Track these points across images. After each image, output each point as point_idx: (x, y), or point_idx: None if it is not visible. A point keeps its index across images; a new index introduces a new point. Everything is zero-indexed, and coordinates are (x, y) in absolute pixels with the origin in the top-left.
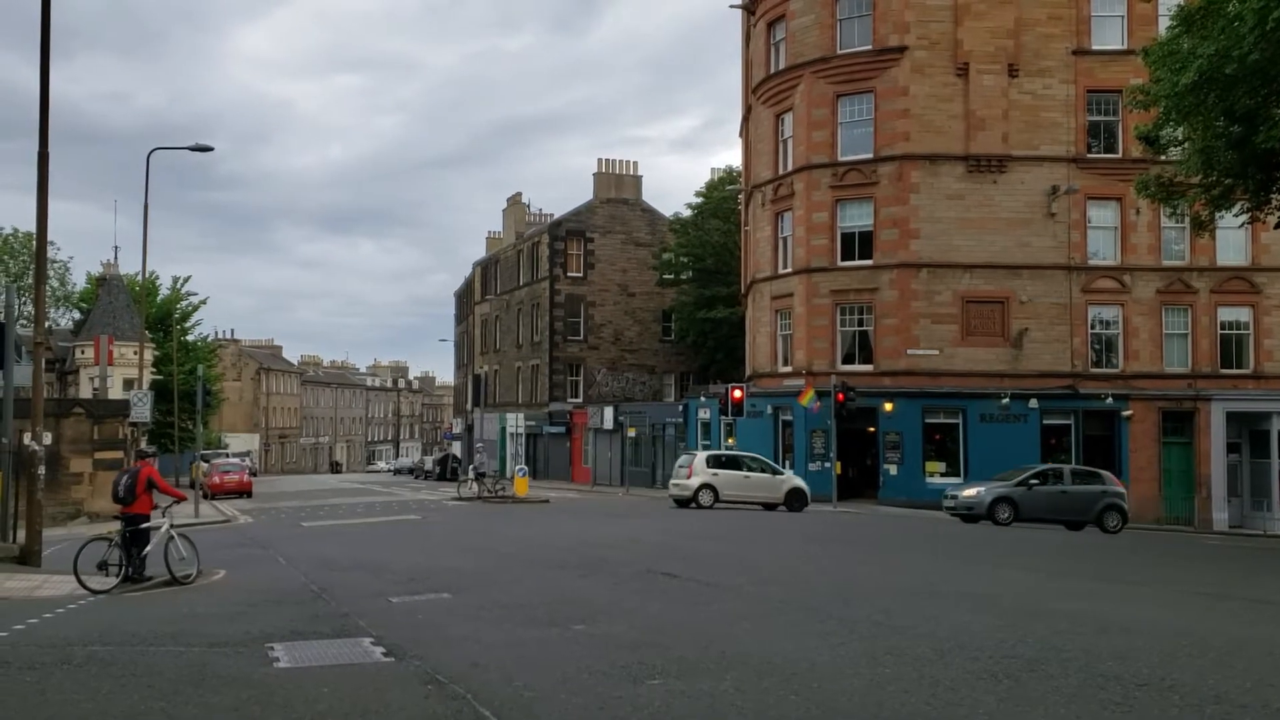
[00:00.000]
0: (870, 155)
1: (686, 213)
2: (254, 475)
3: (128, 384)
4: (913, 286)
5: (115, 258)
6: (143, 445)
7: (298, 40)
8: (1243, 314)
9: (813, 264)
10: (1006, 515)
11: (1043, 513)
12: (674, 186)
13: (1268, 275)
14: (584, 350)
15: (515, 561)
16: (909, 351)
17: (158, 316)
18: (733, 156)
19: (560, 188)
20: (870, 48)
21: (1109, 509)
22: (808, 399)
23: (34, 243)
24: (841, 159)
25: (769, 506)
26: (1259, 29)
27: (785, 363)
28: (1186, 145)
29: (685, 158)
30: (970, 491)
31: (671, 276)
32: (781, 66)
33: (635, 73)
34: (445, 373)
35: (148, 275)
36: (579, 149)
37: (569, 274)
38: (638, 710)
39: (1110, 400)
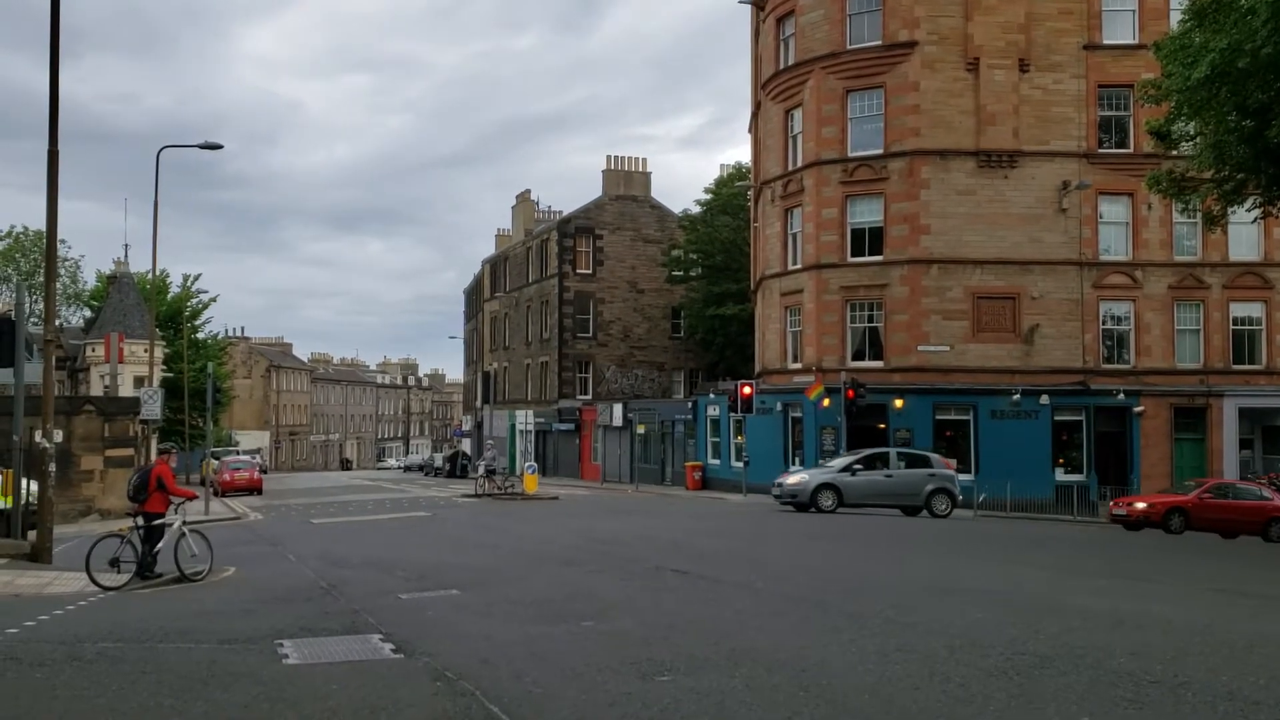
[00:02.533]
0: (880, 151)
1: (695, 209)
2: (264, 472)
3: (138, 381)
4: (923, 283)
5: (126, 256)
6: (161, 444)
7: (305, 41)
8: (1255, 309)
9: (822, 260)
10: (830, 502)
11: (868, 498)
12: (680, 184)
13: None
14: (593, 347)
15: (524, 558)
16: (919, 348)
17: (168, 314)
18: (738, 154)
19: (567, 186)
20: (880, 43)
21: (937, 493)
22: (816, 394)
23: (44, 241)
24: (851, 155)
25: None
26: (1272, 22)
27: (795, 359)
28: (1198, 140)
29: (691, 156)
30: (795, 479)
31: (681, 273)
32: (791, 62)
33: (640, 71)
34: (455, 370)
35: (158, 273)
36: (585, 147)
37: (578, 271)
38: (647, 707)
39: (1122, 396)
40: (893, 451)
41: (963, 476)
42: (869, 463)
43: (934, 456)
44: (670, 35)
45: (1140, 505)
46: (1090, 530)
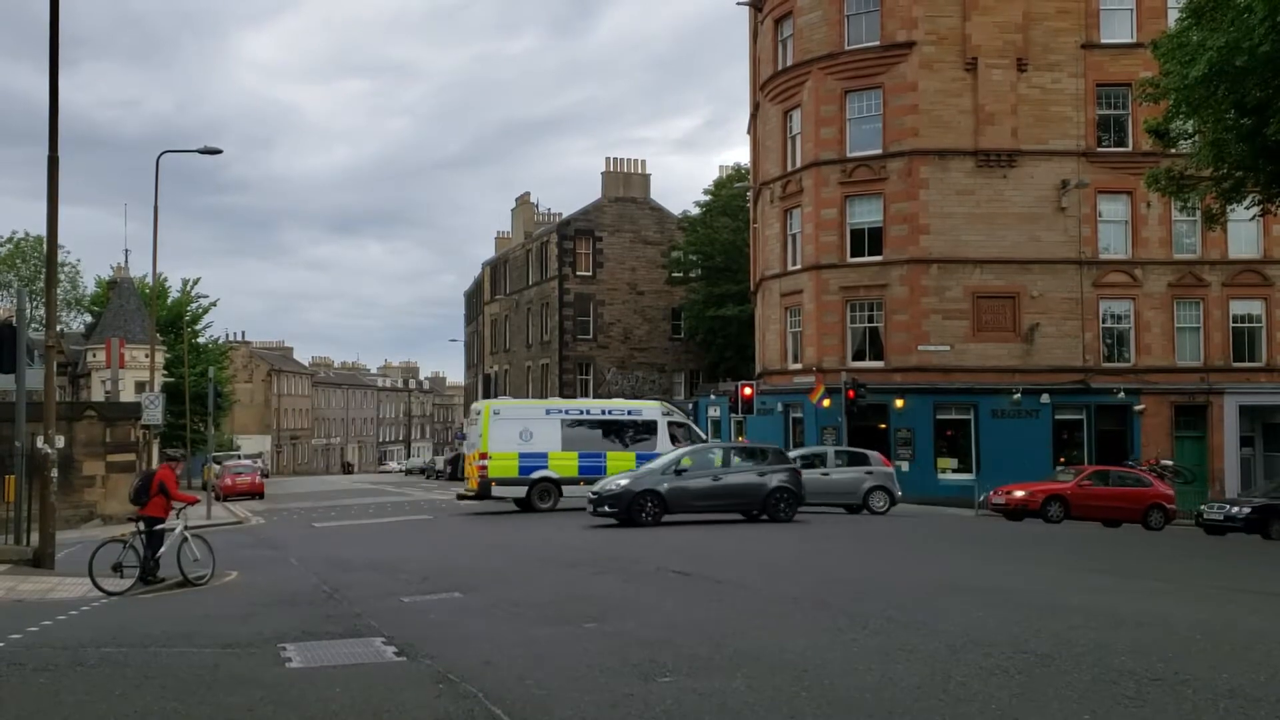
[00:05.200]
0: (879, 151)
1: (694, 211)
2: (266, 477)
3: (139, 386)
4: (923, 282)
5: (126, 261)
6: (167, 449)
7: (304, 46)
8: (1255, 307)
9: (822, 261)
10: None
11: (809, 496)
12: (677, 186)
13: (1279, 268)
14: (594, 349)
15: (527, 560)
16: (920, 348)
17: (168, 319)
18: (736, 156)
19: (566, 188)
20: (878, 43)
21: (875, 490)
22: (818, 396)
23: (45, 246)
24: (850, 155)
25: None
26: (1269, 20)
27: (795, 360)
28: (1197, 138)
29: (688, 157)
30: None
31: (681, 275)
32: (789, 63)
33: (637, 73)
34: (455, 373)
35: (158, 278)
36: (584, 149)
37: (578, 273)
38: (649, 708)
39: (1122, 395)
40: (830, 450)
41: (964, 476)
42: (809, 462)
43: (872, 454)
44: (667, 37)
45: (1019, 494)
46: (964, 521)
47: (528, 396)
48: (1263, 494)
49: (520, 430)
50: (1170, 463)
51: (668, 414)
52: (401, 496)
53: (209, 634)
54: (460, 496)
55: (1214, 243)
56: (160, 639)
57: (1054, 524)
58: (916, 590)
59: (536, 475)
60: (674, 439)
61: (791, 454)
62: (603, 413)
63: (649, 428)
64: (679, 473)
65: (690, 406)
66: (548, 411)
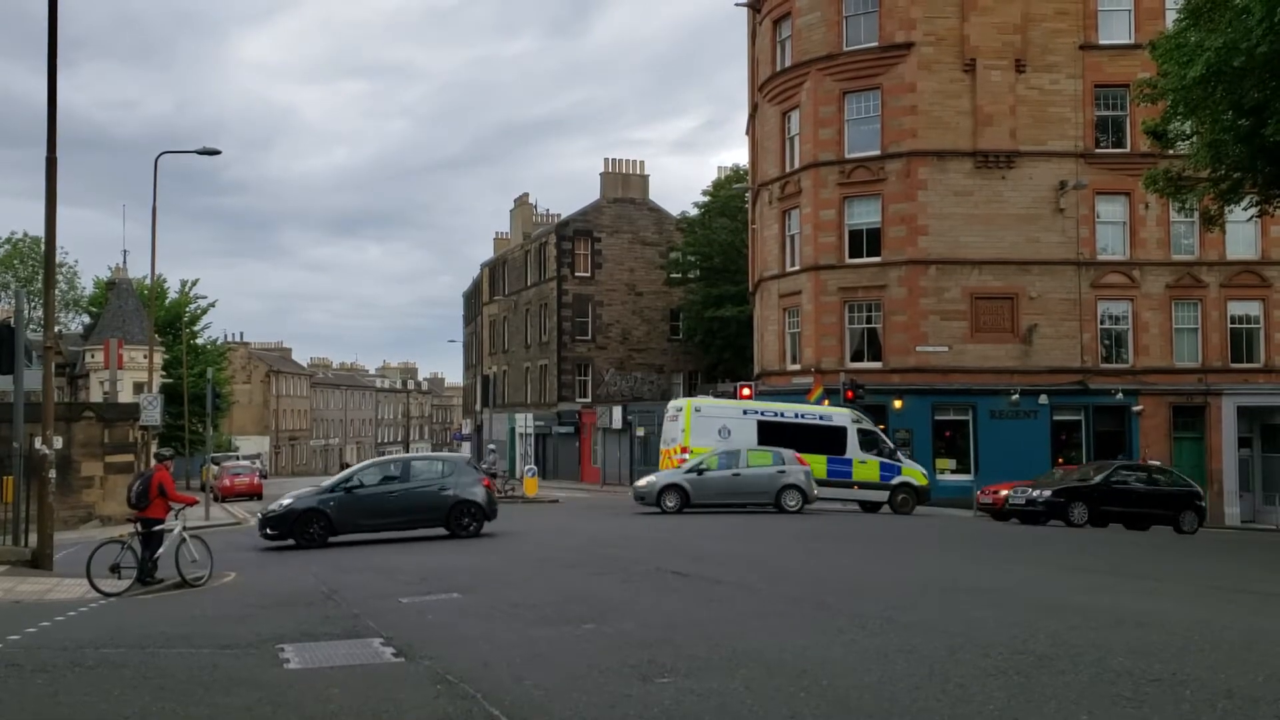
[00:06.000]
0: (877, 152)
1: (692, 212)
2: (264, 478)
3: (138, 387)
4: (921, 283)
5: (124, 262)
6: (159, 450)
7: (302, 47)
8: (1253, 308)
9: (821, 262)
10: (674, 503)
11: (717, 497)
12: (675, 187)
13: (1277, 269)
14: (592, 350)
15: (525, 561)
16: (918, 348)
17: (167, 320)
18: (733, 157)
19: (565, 189)
20: (876, 44)
21: (788, 488)
22: (816, 396)
23: (43, 247)
24: (849, 156)
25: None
26: (1267, 21)
27: (794, 361)
28: (1195, 139)
29: (686, 159)
30: (644, 481)
31: (679, 275)
32: (788, 64)
33: (634, 75)
34: (454, 374)
35: (156, 279)
36: (581, 151)
37: (577, 274)
38: (648, 709)
39: (1121, 396)
40: (744, 451)
41: (963, 477)
42: (723, 462)
43: (786, 454)
44: (665, 38)
45: (1004, 493)
46: (960, 522)
47: (525, 398)
48: (1060, 481)
49: (719, 428)
50: (1157, 463)
51: (856, 421)
52: None
53: (207, 635)
54: None
55: (1212, 244)
56: (158, 640)
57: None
58: (914, 590)
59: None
60: (862, 445)
61: (707, 457)
62: (796, 416)
63: (839, 434)
64: (700, 472)
65: None
66: (744, 412)
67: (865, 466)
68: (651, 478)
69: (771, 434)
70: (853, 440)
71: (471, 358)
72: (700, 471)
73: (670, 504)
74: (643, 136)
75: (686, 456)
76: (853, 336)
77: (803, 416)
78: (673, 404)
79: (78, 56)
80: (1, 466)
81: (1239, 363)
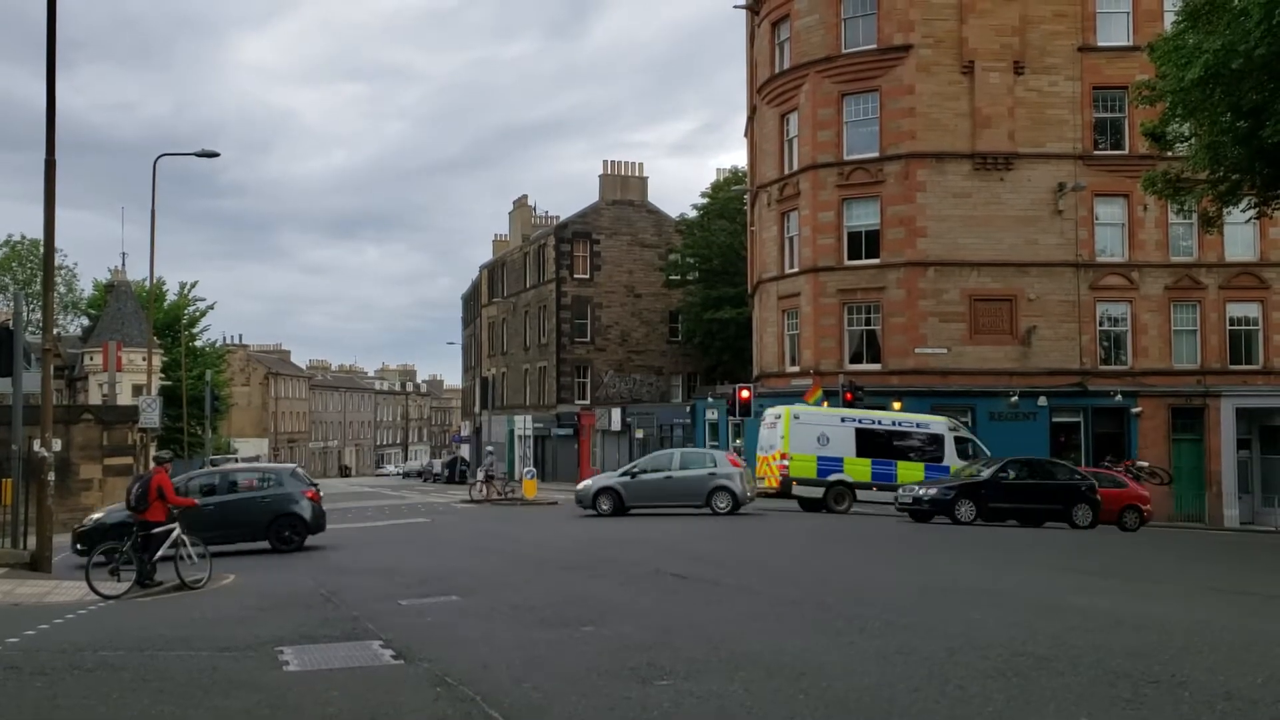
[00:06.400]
0: (876, 154)
1: (691, 214)
2: None
3: (136, 390)
4: (920, 285)
5: (123, 264)
6: (158, 452)
7: (300, 50)
8: (1252, 309)
9: (819, 263)
10: (608, 505)
11: (650, 500)
12: (673, 190)
13: (1276, 270)
14: (591, 352)
15: (524, 563)
16: (917, 350)
17: (165, 322)
18: (731, 159)
19: (563, 190)
20: (875, 47)
21: (718, 490)
22: (815, 398)
23: (41, 250)
24: (847, 158)
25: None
26: (1265, 23)
27: (793, 362)
28: (1193, 141)
29: (683, 161)
30: (582, 485)
31: (678, 277)
32: (786, 66)
33: (633, 77)
34: (453, 376)
35: (155, 281)
36: (580, 153)
37: (576, 276)
38: (646, 711)
39: (1119, 397)
40: (677, 453)
41: None
42: (655, 465)
43: (719, 455)
44: (663, 40)
45: None
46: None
47: (524, 400)
48: (949, 480)
49: (818, 435)
50: (1146, 464)
51: (954, 429)
52: (399, 500)
53: (206, 637)
54: (760, 494)
55: (1210, 245)
56: (157, 642)
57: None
58: (912, 591)
59: (832, 478)
60: (960, 453)
61: (642, 460)
62: (893, 424)
63: (936, 441)
64: (634, 475)
65: (688, 409)
66: (842, 420)
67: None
68: (588, 481)
69: (870, 442)
70: (950, 448)
71: (470, 360)
72: (634, 474)
73: (605, 507)
74: (641, 139)
75: (786, 463)
76: (852, 338)
77: (900, 424)
78: (770, 411)
79: (76, 58)
80: (1, 469)
81: (1238, 364)
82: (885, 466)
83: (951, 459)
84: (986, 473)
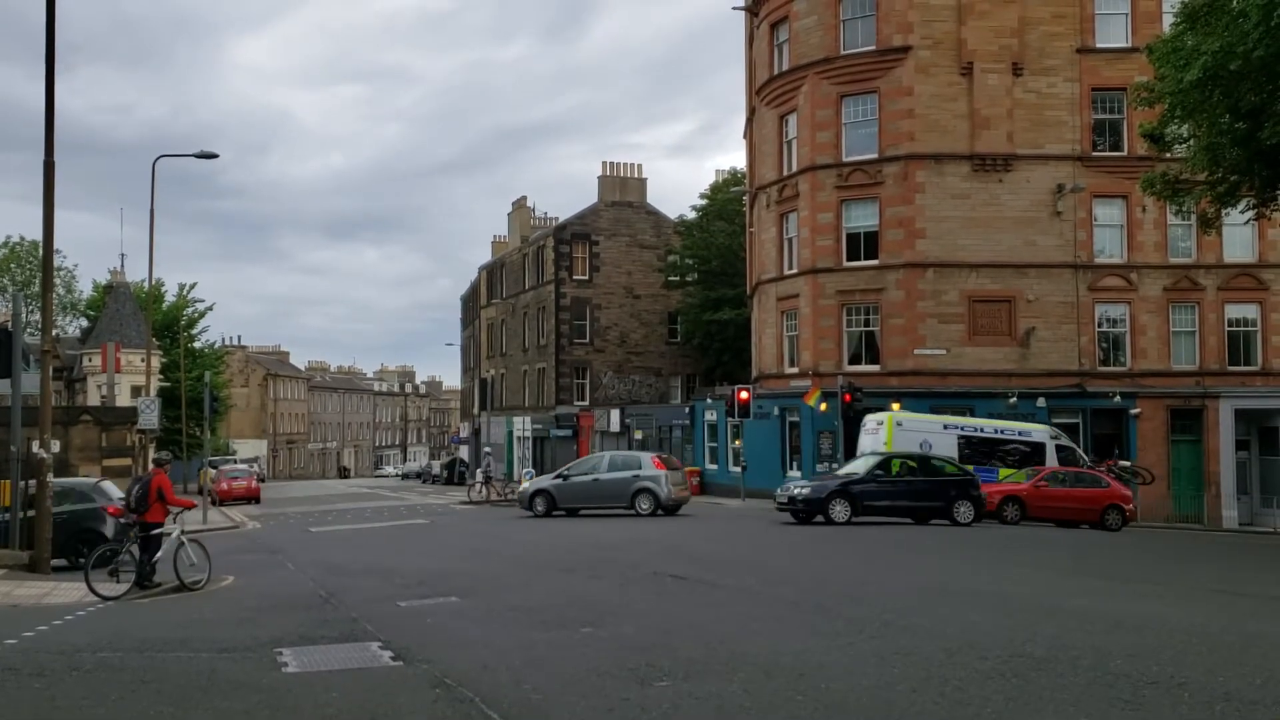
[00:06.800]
0: (875, 155)
1: (690, 215)
2: (262, 481)
3: (135, 391)
4: (919, 286)
5: (122, 265)
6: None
7: (298, 52)
8: (1250, 310)
9: (818, 265)
10: (542, 506)
11: (579, 501)
12: (671, 192)
13: (1274, 271)
14: (590, 353)
15: (523, 565)
16: (916, 351)
17: (164, 323)
18: (729, 160)
19: (562, 192)
20: (874, 48)
21: (640, 492)
22: (815, 399)
23: (40, 251)
24: (846, 160)
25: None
26: (1263, 25)
27: (792, 364)
28: (1192, 142)
29: (682, 162)
30: (524, 485)
31: (677, 279)
32: (785, 68)
33: (630, 79)
34: (452, 377)
35: (154, 282)
36: (578, 154)
37: (574, 277)
38: (646, 712)
39: (1118, 399)
40: (606, 456)
41: None
42: (585, 468)
43: (645, 458)
44: (661, 42)
45: None
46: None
47: (523, 401)
48: (820, 479)
49: (920, 441)
50: (1128, 463)
51: (1055, 437)
52: (398, 501)
53: (205, 638)
54: None
55: (1209, 246)
56: (156, 644)
57: (1011, 525)
58: (910, 593)
59: None
60: (1061, 461)
61: (575, 462)
62: (995, 432)
63: (1037, 449)
64: (565, 477)
65: (687, 410)
66: (945, 427)
67: None
68: (527, 483)
69: (972, 449)
70: (1051, 456)
71: (469, 361)
72: (565, 477)
73: (540, 508)
74: (639, 140)
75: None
76: (851, 339)
77: (1002, 432)
78: (871, 418)
79: (75, 60)
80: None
81: (1236, 365)
82: (988, 474)
83: (1052, 466)
84: (863, 470)
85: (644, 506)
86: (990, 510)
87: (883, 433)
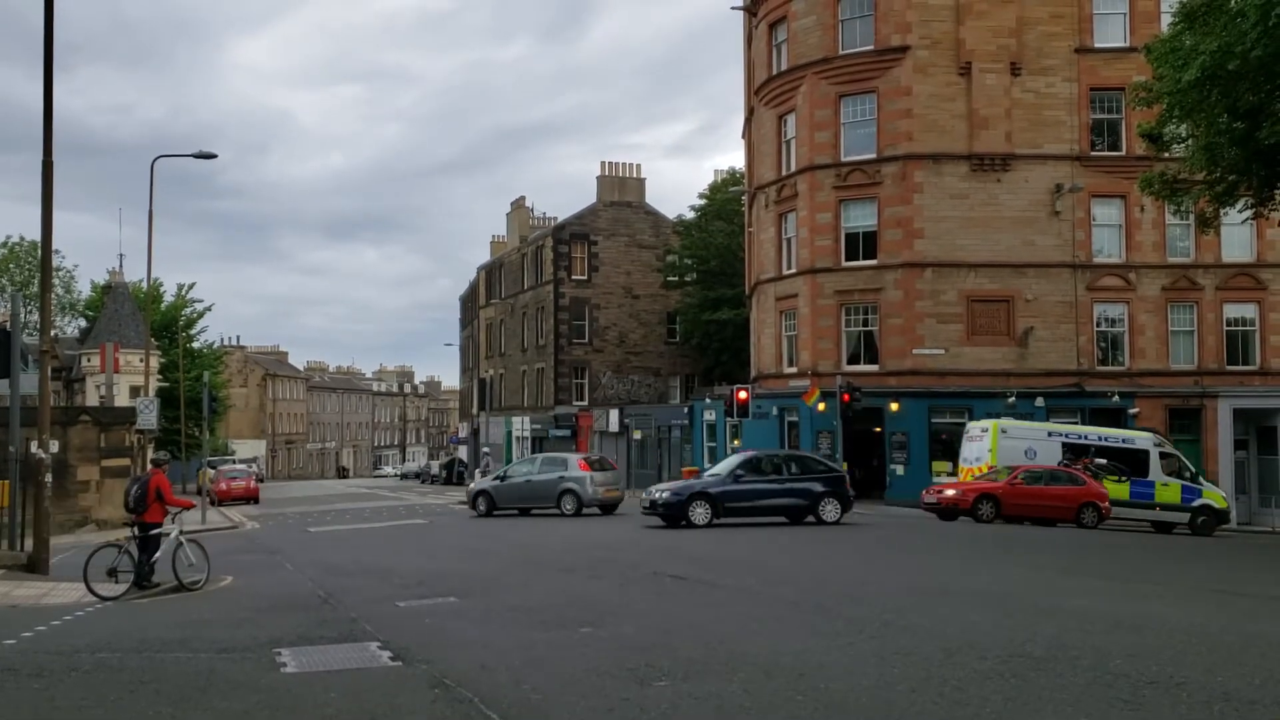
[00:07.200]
0: (873, 155)
1: (689, 215)
2: (261, 481)
3: (134, 391)
4: (917, 286)
5: (120, 265)
6: (156, 454)
7: (297, 52)
8: (1248, 310)
9: (817, 265)
10: (483, 506)
11: (513, 500)
12: (670, 192)
13: (1273, 271)
14: (589, 353)
15: (522, 565)
16: (914, 351)
17: (163, 324)
18: (728, 161)
19: (561, 192)
20: (872, 48)
21: (565, 493)
22: (814, 399)
23: (39, 251)
24: (845, 159)
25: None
26: (1261, 25)
27: (790, 364)
28: (1190, 142)
29: (681, 163)
30: (472, 486)
31: (676, 279)
32: (784, 68)
33: (629, 79)
34: (451, 377)
35: (153, 283)
36: (577, 154)
37: (573, 277)
38: (645, 712)
39: (1116, 399)
40: (539, 458)
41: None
42: (521, 469)
43: (571, 459)
44: (660, 42)
45: (950, 492)
46: (888, 521)
47: (522, 401)
48: (682, 482)
49: (1025, 449)
50: (1105, 461)
51: (1159, 444)
52: (397, 501)
53: (204, 639)
54: None
55: (1207, 246)
56: (155, 644)
57: (985, 524)
58: (910, 593)
59: None
60: (1164, 468)
61: (511, 465)
62: (1099, 439)
63: (1142, 456)
64: (503, 478)
65: (686, 410)
66: (1049, 434)
67: (1168, 489)
68: (472, 484)
69: (1075, 456)
70: (1155, 463)
71: (468, 361)
72: (504, 478)
73: (481, 507)
74: (638, 140)
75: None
76: (849, 339)
77: (1106, 439)
78: (974, 425)
79: (74, 61)
80: None
81: (1235, 365)
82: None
83: (1156, 474)
84: (724, 471)
85: (568, 507)
86: (965, 509)
87: (987, 440)
